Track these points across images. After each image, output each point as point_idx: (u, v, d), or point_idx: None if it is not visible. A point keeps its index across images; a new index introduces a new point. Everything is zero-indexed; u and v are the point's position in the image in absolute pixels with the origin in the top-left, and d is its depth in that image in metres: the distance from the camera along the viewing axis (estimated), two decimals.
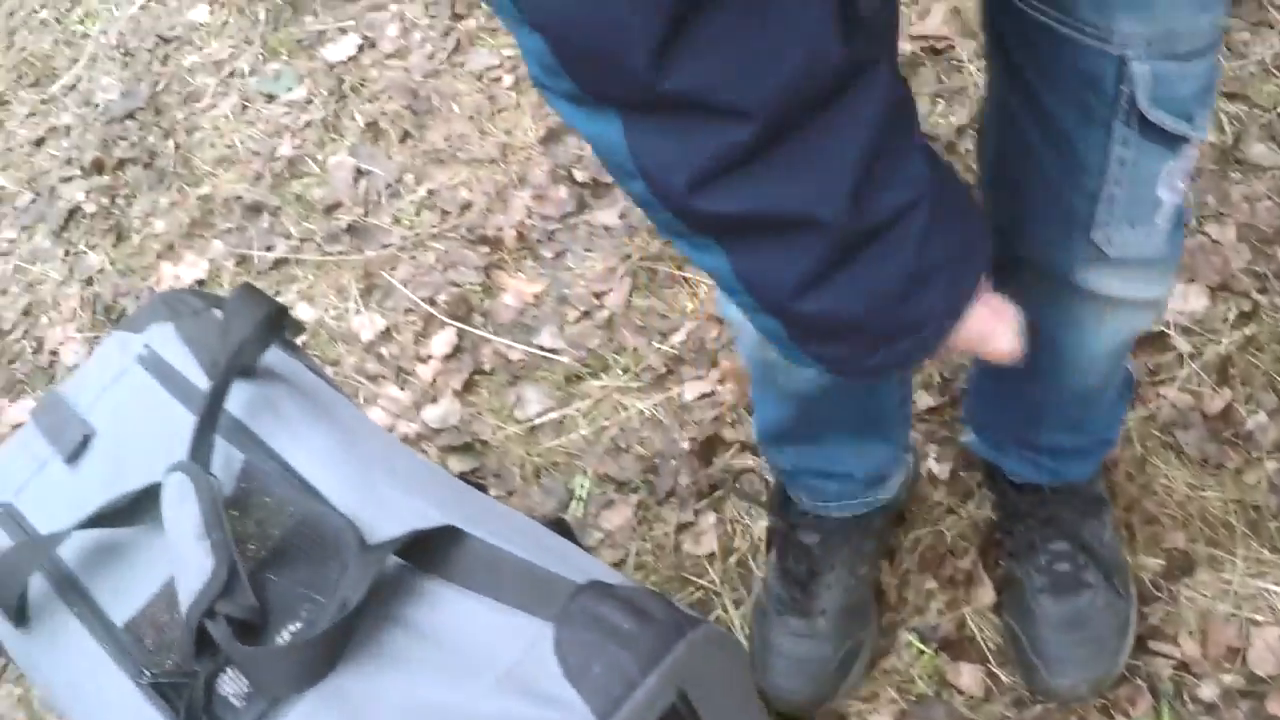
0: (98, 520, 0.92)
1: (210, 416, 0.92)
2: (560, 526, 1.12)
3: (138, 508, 0.93)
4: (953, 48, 1.86)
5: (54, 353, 1.91)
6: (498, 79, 1.99)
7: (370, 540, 0.84)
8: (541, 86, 0.55)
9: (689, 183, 0.53)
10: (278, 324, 1.03)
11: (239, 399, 0.95)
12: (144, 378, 1.08)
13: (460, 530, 0.83)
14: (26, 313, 2.01)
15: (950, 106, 1.80)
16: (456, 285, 1.71)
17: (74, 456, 1.03)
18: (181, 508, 0.89)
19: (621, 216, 1.78)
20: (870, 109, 0.54)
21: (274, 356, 1.01)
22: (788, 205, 0.54)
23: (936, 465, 1.46)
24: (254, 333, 0.99)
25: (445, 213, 1.81)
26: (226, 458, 0.94)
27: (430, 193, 1.84)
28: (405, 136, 1.94)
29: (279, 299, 1.70)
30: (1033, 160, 0.86)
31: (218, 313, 1.12)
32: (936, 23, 1.90)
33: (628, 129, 0.52)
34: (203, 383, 0.96)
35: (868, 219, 0.56)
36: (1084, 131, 0.80)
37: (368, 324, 1.69)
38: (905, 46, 1.80)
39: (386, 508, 0.90)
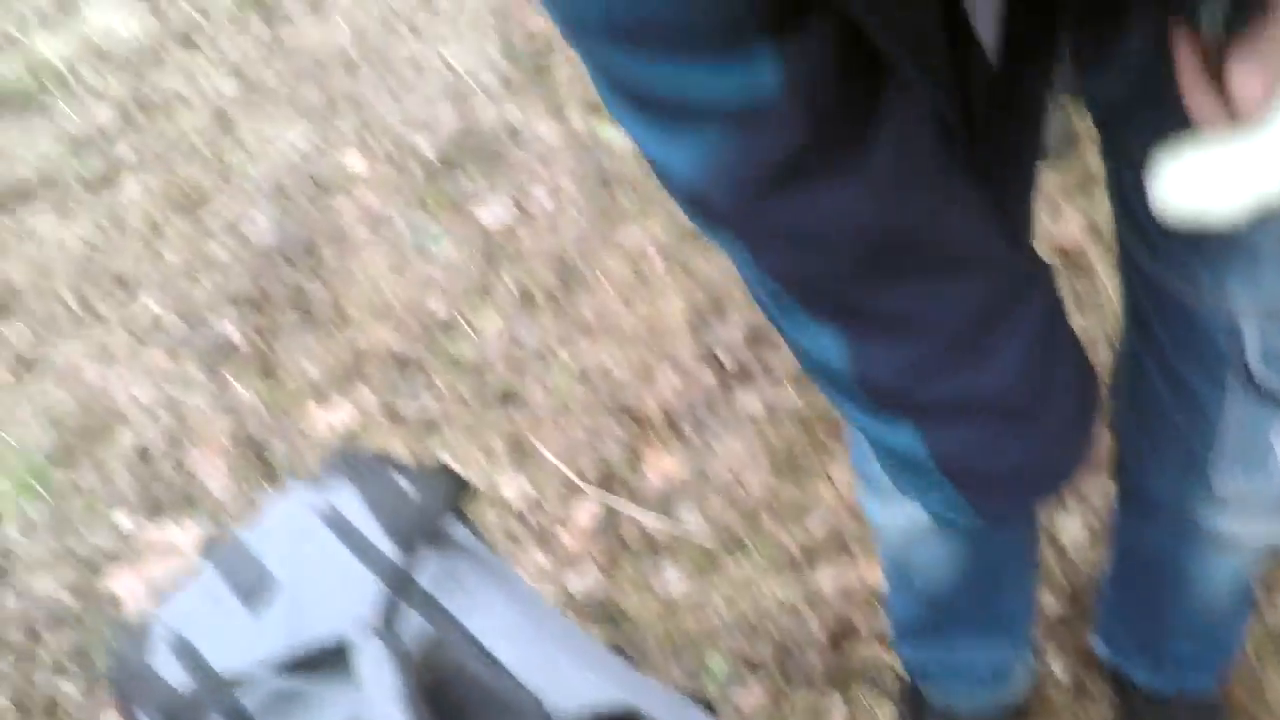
0: (287, 667, 0.99)
1: (402, 584, 1.00)
2: (707, 708, 1.19)
3: (325, 662, 0.99)
4: (1085, 255, 1.97)
5: (199, 482, 2.01)
6: (648, 257, 2.12)
7: (554, 717, 0.91)
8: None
9: (898, 385, 0.70)
10: (461, 497, 1.13)
11: (424, 567, 1.04)
12: (326, 535, 1.18)
13: (639, 712, 0.90)
14: (173, 438, 2.12)
15: (1083, 315, 1.90)
16: (602, 457, 1.81)
17: (252, 601, 1.11)
18: (378, 673, 0.97)
19: (764, 402, 1.87)
20: (1039, 308, 0.73)
21: (449, 523, 1.11)
22: (977, 392, 0.71)
23: (1061, 670, 1.52)
24: (440, 504, 1.09)
25: (593, 384, 1.92)
26: (416, 626, 1.02)
27: (579, 364, 1.95)
28: (555, 305, 2.07)
29: (426, 452, 1.82)
30: (1156, 404, 0.96)
31: (400, 478, 1.23)
32: (1071, 229, 2.02)
33: (851, 342, 0.68)
34: (385, 545, 1.05)
35: (1039, 392, 0.73)
36: (1202, 384, 0.90)
37: (514, 487, 1.79)
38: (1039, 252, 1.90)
39: (566, 683, 0.98)
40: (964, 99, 0.65)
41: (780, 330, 0.76)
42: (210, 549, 1.19)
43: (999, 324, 0.71)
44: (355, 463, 1.26)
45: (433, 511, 1.10)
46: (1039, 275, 0.76)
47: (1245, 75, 0.55)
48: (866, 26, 0.55)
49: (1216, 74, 0.58)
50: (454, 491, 1.16)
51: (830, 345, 0.72)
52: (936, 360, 0.71)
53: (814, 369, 0.76)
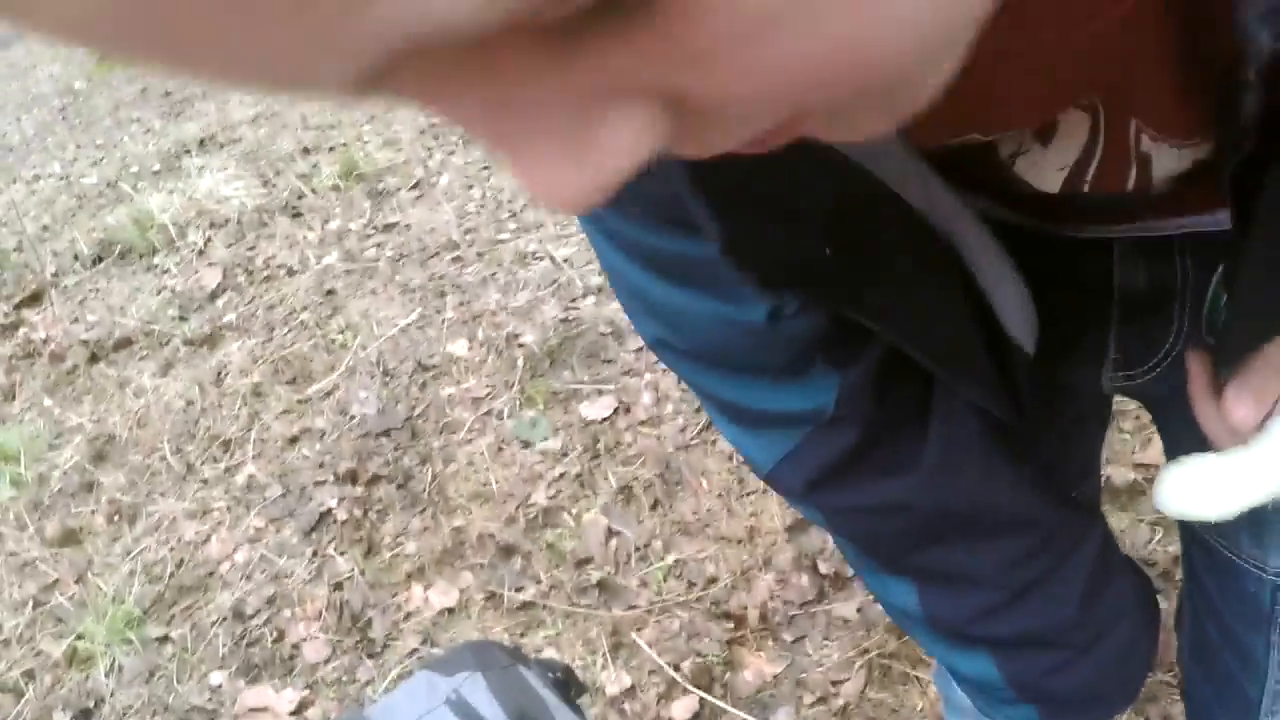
0: None
1: None
2: None
3: None
4: None
5: (296, 647, 2.15)
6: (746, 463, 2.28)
7: None
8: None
9: (967, 627, 0.86)
10: (578, 694, 1.28)
11: None
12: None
13: None
14: (270, 602, 2.27)
15: (1169, 535, 2.02)
16: (699, 654, 1.94)
17: None
18: None
19: (859, 610, 2.00)
20: (1090, 552, 0.86)
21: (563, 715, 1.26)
22: (1041, 629, 0.86)
23: None
24: (563, 701, 1.24)
25: (691, 583, 2.06)
26: None
27: (677, 562, 2.10)
28: (656, 504, 2.22)
29: (525, 642, 1.95)
30: (1211, 650, 1.08)
31: (527, 672, 1.38)
32: (1156, 453, 2.16)
33: (918, 590, 0.83)
34: None
35: (1100, 621, 0.87)
36: (1249, 635, 1.03)
37: (613, 680, 1.91)
38: (1128, 474, 2.05)
39: None
40: (1009, 389, 0.77)
41: (858, 574, 0.92)
42: None
43: (1054, 573, 0.85)
44: (484, 653, 1.41)
45: (555, 707, 1.25)
46: (1088, 525, 0.89)
47: (1236, 401, 0.68)
48: (905, 347, 0.67)
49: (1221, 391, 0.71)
50: (574, 689, 1.32)
51: (900, 592, 0.88)
52: (997, 605, 0.86)
53: (889, 609, 0.93)
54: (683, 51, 0.21)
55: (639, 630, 2.02)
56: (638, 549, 2.17)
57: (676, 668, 1.95)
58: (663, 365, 2.39)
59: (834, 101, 0.23)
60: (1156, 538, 2.02)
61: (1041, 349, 0.79)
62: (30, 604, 2.52)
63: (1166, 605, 1.96)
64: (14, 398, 3.29)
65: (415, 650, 2.06)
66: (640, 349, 2.65)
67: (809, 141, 0.29)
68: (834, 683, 1.93)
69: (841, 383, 0.70)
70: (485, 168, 3.71)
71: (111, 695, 2.22)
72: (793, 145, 0.28)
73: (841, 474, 0.76)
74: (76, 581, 2.55)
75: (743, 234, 0.50)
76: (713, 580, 2.09)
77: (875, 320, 0.61)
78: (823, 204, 0.53)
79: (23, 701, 2.30)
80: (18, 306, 3.69)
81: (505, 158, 0.24)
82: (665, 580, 2.10)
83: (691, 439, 2.39)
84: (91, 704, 2.23)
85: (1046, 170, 0.60)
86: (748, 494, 2.26)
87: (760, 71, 0.21)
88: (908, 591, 0.86)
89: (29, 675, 2.35)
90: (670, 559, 2.13)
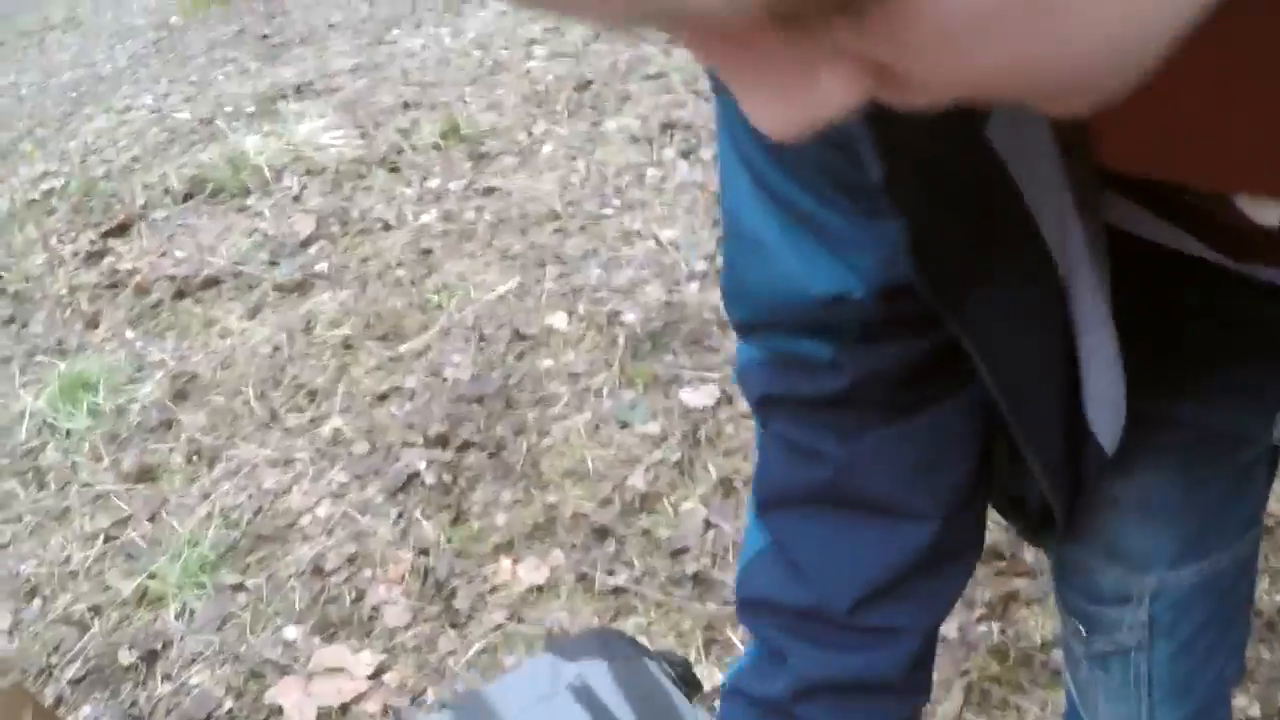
0: None
1: None
2: None
3: None
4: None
5: (375, 609, 2.15)
6: None
7: None
8: None
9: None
10: (694, 689, 1.28)
11: None
12: (574, 707, 1.32)
13: None
14: (351, 560, 2.27)
15: (1275, 584, 1.98)
16: None
17: None
18: None
19: (960, 630, 1.97)
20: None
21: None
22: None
23: None
24: (687, 694, 1.23)
25: None
26: None
27: None
28: None
29: (614, 625, 1.94)
30: None
31: (650, 662, 1.38)
32: (1270, 503, 2.12)
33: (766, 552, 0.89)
34: None
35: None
36: None
37: (706, 675, 1.90)
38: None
39: None
40: (1070, 477, 0.79)
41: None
42: (452, 699, 1.34)
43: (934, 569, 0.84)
44: (610, 641, 1.41)
45: (682, 705, 1.24)
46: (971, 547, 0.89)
47: None
48: (981, 368, 0.67)
49: None
50: (690, 685, 1.31)
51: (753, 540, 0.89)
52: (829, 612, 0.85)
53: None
54: (898, 42, 0.26)
55: (734, 628, 2.01)
56: (735, 544, 2.15)
57: None
58: None
59: (1019, 95, 0.30)
60: (1262, 585, 1.98)
61: (1208, 393, 0.80)
62: (101, 538, 2.55)
63: (1269, 657, 1.93)
64: (96, 326, 3.33)
65: (501, 625, 2.06)
66: None
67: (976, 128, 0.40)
68: (932, 702, 1.90)
69: (859, 351, 0.73)
70: (590, 140, 3.71)
71: (181, 639, 2.23)
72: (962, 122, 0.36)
73: (798, 407, 0.78)
74: (150, 519, 2.58)
75: (897, 178, 0.53)
76: None
77: (966, 331, 0.64)
78: (966, 189, 0.55)
79: (87, 636, 2.32)
80: (105, 235, 3.73)
81: (735, 90, 0.30)
82: None
83: None
84: (159, 645, 2.24)
85: (1270, 207, 0.58)
86: None
87: (959, 66, 0.27)
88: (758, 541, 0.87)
89: (95, 610, 2.37)
90: None
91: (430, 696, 1.98)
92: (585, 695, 1.33)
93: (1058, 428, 0.73)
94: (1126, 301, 0.69)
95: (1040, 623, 1.92)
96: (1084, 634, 0.99)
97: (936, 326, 0.67)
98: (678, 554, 2.15)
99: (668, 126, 3.66)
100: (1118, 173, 0.58)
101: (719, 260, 2.80)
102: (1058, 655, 1.87)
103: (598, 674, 1.35)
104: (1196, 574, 0.92)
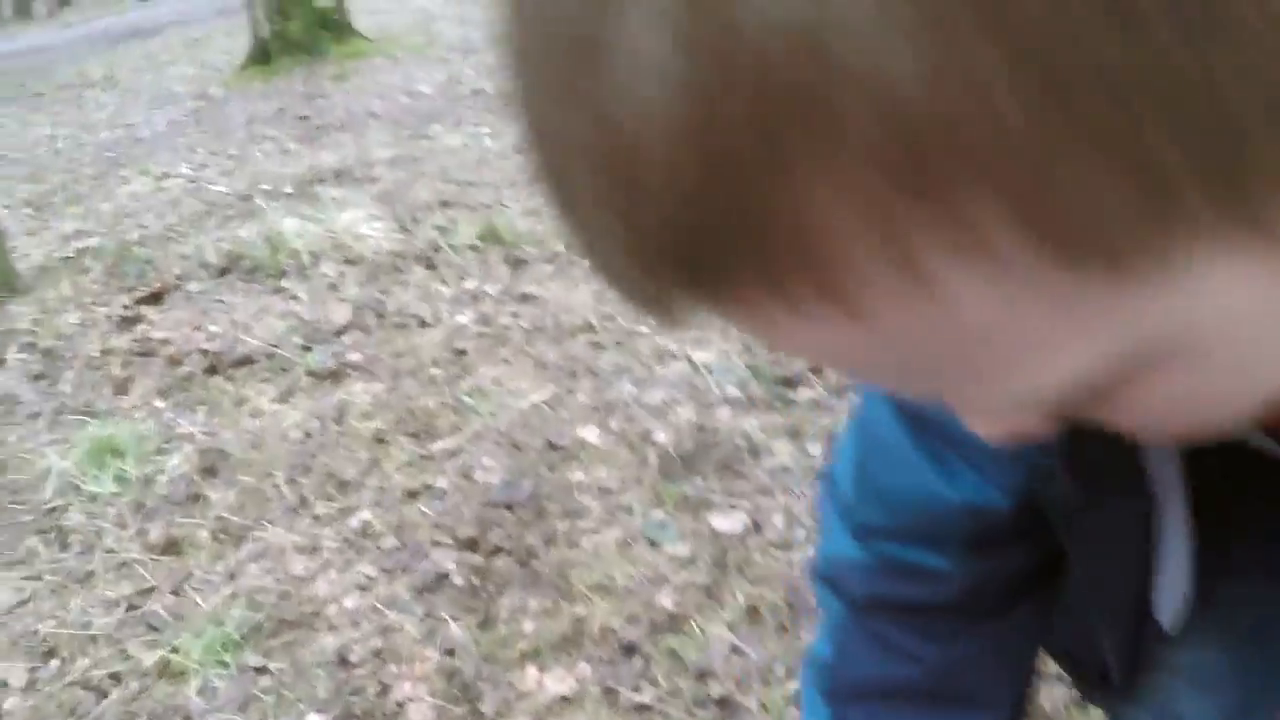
0: None
1: None
2: None
3: None
4: None
5: (400, 705, 2.20)
6: None
7: None
8: None
9: None
10: None
11: None
12: None
13: None
14: (377, 654, 2.33)
15: None
16: None
17: None
18: None
19: None
20: None
21: None
22: None
23: None
24: None
25: None
26: None
27: (799, 692, 2.13)
28: (782, 628, 2.27)
29: None
30: None
31: None
32: None
33: None
34: None
35: None
36: None
37: None
38: None
39: None
40: (1134, 649, 0.87)
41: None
42: None
43: None
44: None
45: None
46: None
47: None
48: (1085, 598, 0.79)
49: None
50: None
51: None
52: None
53: None
54: (1101, 410, 0.37)
55: None
56: (760, 670, 2.22)
57: None
58: (798, 490, 2.46)
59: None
60: None
61: (1277, 572, 0.87)
62: (124, 605, 2.60)
63: None
64: (126, 392, 3.40)
65: None
66: (775, 470, 2.72)
67: None
68: None
69: (973, 562, 0.82)
70: None
71: (202, 716, 2.27)
72: None
73: (904, 612, 0.86)
74: (173, 592, 2.63)
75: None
76: None
77: (1073, 541, 0.75)
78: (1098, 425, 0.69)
79: (105, 703, 2.35)
80: (139, 301, 3.82)
81: (962, 411, 0.42)
82: (786, 707, 2.14)
83: None
84: None
85: None
86: None
87: (1141, 424, 0.40)
88: None
89: (115, 678, 2.41)
90: (792, 686, 2.18)
91: None
92: None
93: (1129, 614, 0.82)
94: (1210, 486, 0.77)
95: None
96: None
97: (1043, 541, 0.77)
98: (703, 676, 2.21)
99: None
100: None
101: (751, 387, 2.91)
102: None
103: None
104: None
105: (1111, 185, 0.26)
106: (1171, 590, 0.81)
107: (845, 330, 0.31)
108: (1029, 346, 0.31)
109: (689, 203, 0.28)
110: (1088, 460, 0.68)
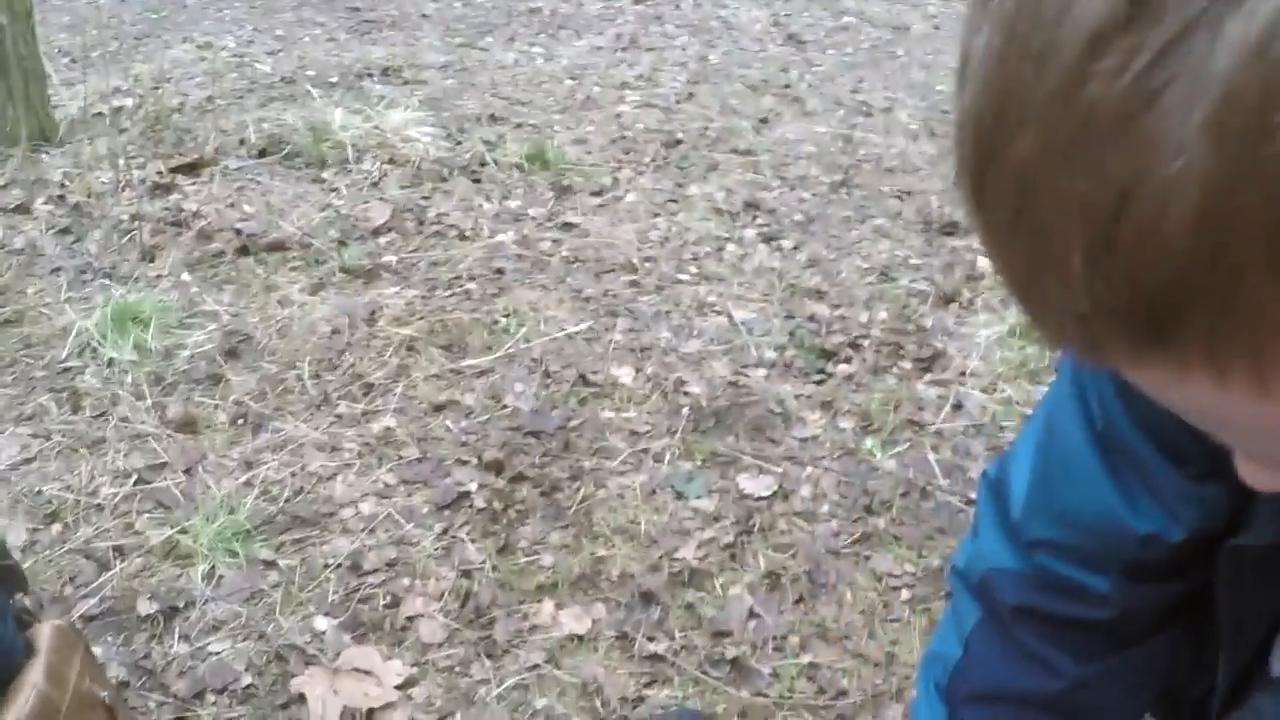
0: None
1: None
2: None
3: None
4: None
5: (410, 620, 2.18)
6: (897, 588, 2.32)
7: None
8: None
9: None
10: None
11: None
12: None
13: None
14: (390, 565, 2.30)
15: None
16: None
17: None
18: None
19: None
20: None
21: None
22: None
23: None
24: None
25: (822, 689, 2.09)
26: None
27: (812, 664, 2.12)
28: (800, 599, 2.25)
29: (649, 694, 1.98)
30: None
31: None
32: None
33: None
34: None
35: None
36: None
37: None
38: None
39: None
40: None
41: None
42: None
43: None
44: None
45: None
46: None
47: None
48: (1222, 633, 0.79)
49: None
50: None
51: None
52: None
53: None
54: None
55: (769, 719, 2.04)
56: (775, 638, 2.19)
57: None
58: (826, 464, 2.43)
59: None
60: None
61: None
62: (134, 478, 2.55)
63: None
64: (153, 260, 3.34)
65: (536, 666, 2.08)
66: (806, 440, 2.69)
67: None
68: None
69: (1131, 587, 0.84)
70: (672, 200, 3.77)
71: (205, 603, 2.24)
72: None
73: (1052, 625, 0.87)
74: (186, 472, 2.58)
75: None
76: (843, 693, 2.11)
77: (1222, 577, 0.77)
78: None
79: (106, 575, 2.32)
80: (174, 170, 3.74)
81: (1242, 461, 0.47)
82: (797, 678, 2.12)
83: (844, 546, 2.41)
84: (181, 603, 2.25)
85: None
86: (891, 620, 2.28)
87: None
88: None
89: (119, 551, 2.37)
90: (805, 659, 2.16)
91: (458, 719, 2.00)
92: None
93: (1253, 651, 0.83)
94: None
95: None
96: None
97: (1195, 573, 0.79)
98: (719, 635, 2.18)
99: (751, 206, 3.73)
100: None
101: (788, 354, 2.87)
102: None
103: None
104: None
105: None
106: None
107: (1248, 406, 0.35)
108: None
109: (1182, 274, 0.31)
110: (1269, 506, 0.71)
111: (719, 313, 3.14)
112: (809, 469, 2.61)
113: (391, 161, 3.78)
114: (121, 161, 3.72)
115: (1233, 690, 0.88)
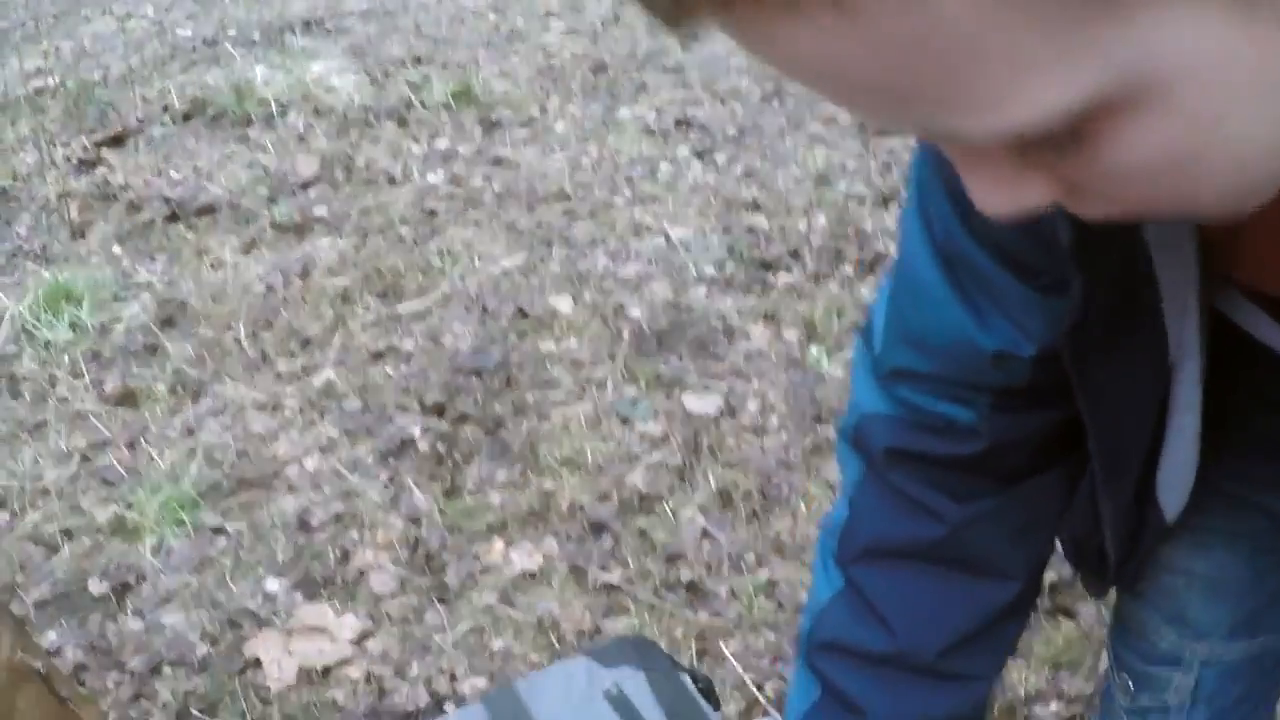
0: None
1: None
2: None
3: None
4: None
5: (361, 573, 2.11)
6: None
7: None
8: None
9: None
10: (715, 705, 1.30)
11: None
12: (608, 712, 1.32)
13: None
14: (338, 519, 2.23)
15: None
16: (784, 679, 1.90)
17: None
18: None
19: None
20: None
21: None
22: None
23: None
24: (715, 708, 1.26)
25: (781, 605, 2.03)
26: None
27: (770, 581, 2.06)
28: (753, 515, 2.19)
29: (606, 625, 1.93)
30: None
31: (685, 677, 1.38)
32: None
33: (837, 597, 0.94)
34: None
35: None
36: None
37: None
38: None
39: None
40: (1133, 536, 0.85)
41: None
42: (490, 700, 1.32)
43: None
44: (647, 652, 1.40)
45: (711, 716, 1.25)
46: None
47: None
48: (1090, 425, 0.75)
49: None
50: (715, 702, 1.33)
51: (823, 586, 0.92)
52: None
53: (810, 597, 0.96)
54: (1089, 170, 0.39)
55: (725, 640, 1.99)
56: (730, 557, 2.13)
57: (759, 686, 1.92)
58: (772, 376, 2.36)
59: (1162, 215, 0.43)
60: None
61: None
62: (77, 458, 2.47)
63: None
64: (83, 236, 3.23)
65: (490, 607, 2.02)
66: (751, 354, 2.62)
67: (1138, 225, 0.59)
68: None
69: (999, 418, 0.78)
70: (603, 124, 3.66)
71: (156, 576, 2.17)
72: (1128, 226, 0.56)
73: (926, 465, 0.82)
74: (129, 446, 2.50)
75: (1080, 245, 0.62)
76: (802, 604, 2.06)
77: (1085, 393, 0.73)
78: (1121, 271, 0.64)
79: (56, 558, 2.24)
80: (99, 144, 3.62)
81: (964, 175, 0.43)
82: (755, 596, 2.06)
83: (795, 457, 2.35)
84: (132, 579, 2.17)
85: None
86: None
87: (1123, 196, 0.41)
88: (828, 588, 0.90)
89: (67, 533, 2.29)
90: (763, 576, 2.10)
91: (415, 669, 1.94)
92: (622, 705, 1.31)
93: (1132, 487, 0.80)
94: (1234, 394, 0.76)
95: (1023, 676, 1.92)
96: (1132, 690, 1.04)
97: (1066, 399, 0.74)
98: (673, 559, 2.12)
99: (682, 123, 3.63)
100: (1251, 289, 0.67)
101: (729, 268, 2.79)
102: (1039, 710, 1.88)
103: (634, 683, 1.34)
104: (1245, 650, 0.99)
105: None
106: (1175, 479, 0.79)
107: (841, 35, 0.32)
108: (1009, 65, 0.33)
109: None
110: (1104, 305, 0.66)
111: (655, 233, 3.05)
112: (755, 383, 2.54)
113: (316, 113, 3.66)
114: (44, 141, 3.59)
115: (1131, 537, 0.85)
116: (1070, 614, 1.93)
